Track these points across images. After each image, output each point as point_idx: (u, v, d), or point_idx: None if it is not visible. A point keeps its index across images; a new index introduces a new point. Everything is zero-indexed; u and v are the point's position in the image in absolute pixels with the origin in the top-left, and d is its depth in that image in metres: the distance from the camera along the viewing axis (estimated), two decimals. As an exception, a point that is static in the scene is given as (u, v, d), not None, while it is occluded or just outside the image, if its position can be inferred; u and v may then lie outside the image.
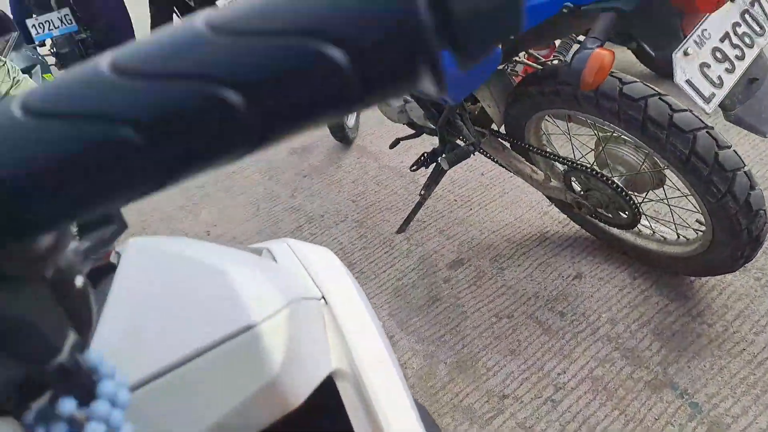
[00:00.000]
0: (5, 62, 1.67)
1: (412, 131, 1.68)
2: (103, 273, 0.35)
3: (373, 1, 0.17)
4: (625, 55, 2.32)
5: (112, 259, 0.36)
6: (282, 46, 0.17)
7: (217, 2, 2.53)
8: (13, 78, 1.68)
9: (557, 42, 1.85)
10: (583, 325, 1.30)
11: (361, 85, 0.18)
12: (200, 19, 0.18)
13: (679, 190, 1.16)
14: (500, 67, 1.36)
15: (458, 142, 1.50)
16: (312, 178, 2.11)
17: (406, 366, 1.29)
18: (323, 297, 0.42)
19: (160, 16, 2.98)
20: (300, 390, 0.34)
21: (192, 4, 2.91)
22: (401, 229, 1.71)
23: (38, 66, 2.74)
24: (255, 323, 0.32)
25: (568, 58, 1.02)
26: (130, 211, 2.15)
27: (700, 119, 1.00)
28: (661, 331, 1.26)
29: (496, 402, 1.18)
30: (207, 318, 0.32)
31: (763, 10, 0.93)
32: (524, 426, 1.13)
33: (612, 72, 1.09)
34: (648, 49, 1.00)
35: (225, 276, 0.34)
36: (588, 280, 1.42)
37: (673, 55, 0.87)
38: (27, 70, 2.62)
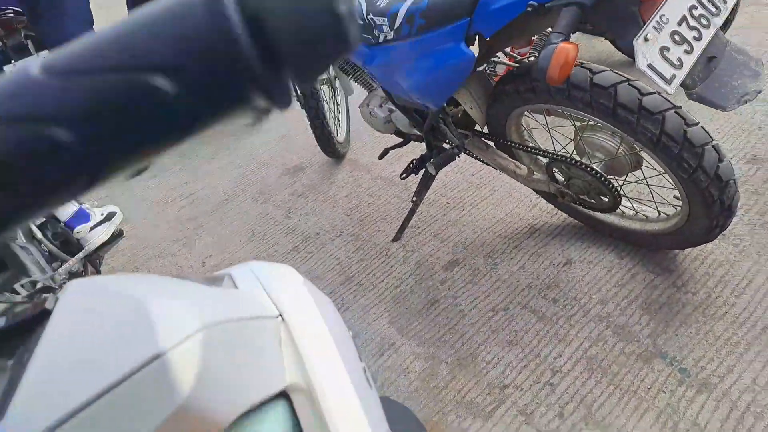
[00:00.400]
0: None
1: (400, 139, 1.74)
2: (40, 319, 0.35)
3: (193, 30, 0.18)
4: (604, 45, 2.41)
5: (48, 304, 0.36)
6: (111, 82, 0.18)
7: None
8: None
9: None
10: (576, 308, 1.34)
11: (193, 111, 0.19)
12: (35, 61, 0.19)
13: (655, 169, 1.22)
14: (479, 69, 1.42)
15: (445, 145, 1.55)
16: (306, 197, 2.15)
17: (409, 370, 1.32)
18: (281, 315, 0.43)
19: None
20: (224, 410, 0.34)
21: None
22: (396, 237, 1.75)
23: None
24: (163, 351, 0.32)
25: (540, 54, 1.08)
26: (122, 250, 2.17)
27: (668, 100, 1.06)
28: (649, 305, 1.30)
29: (497, 393, 1.21)
30: (117, 354, 0.32)
31: (715, -7, 0.99)
32: (525, 412, 1.16)
33: (582, 63, 1.16)
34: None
35: (140, 307, 0.34)
36: (578, 265, 1.46)
37: (634, 41, 0.92)
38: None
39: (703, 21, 0.95)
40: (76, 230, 2.11)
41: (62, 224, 2.06)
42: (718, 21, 0.96)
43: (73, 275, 2.05)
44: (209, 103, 0.20)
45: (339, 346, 0.44)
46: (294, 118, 2.74)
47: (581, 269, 1.45)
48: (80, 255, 2.03)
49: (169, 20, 0.19)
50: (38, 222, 1.96)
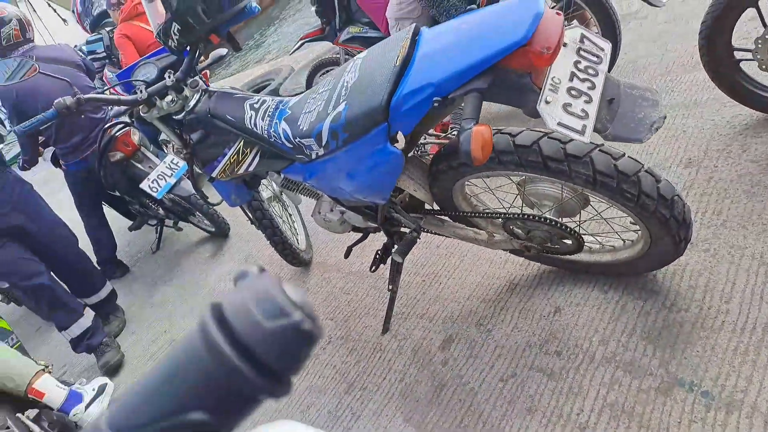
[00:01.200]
0: None
1: (360, 234, 1.75)
2: None
3: (207, 373, 0.28)
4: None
5: None
6: (166, 426, 0.27)
7: (141, 185, 2.62)
8: None
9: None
10: (580, 356, 1.32)
11: (226, 423, 0.30)
12: (103, 419, 0.29)
13: (603, 201, 1.25)
14: (410, 154, 1.46)
15: (403, 229, 1.57)
16: (286, 313, 2.10)
17: (438, 468, 1.26)
18: None
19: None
20: None
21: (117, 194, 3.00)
22: (385, 329, 1.72)
23: None
24: None
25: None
26: None
27: (590, 142, 1.11)
28: (648, 333, 1.29)
29: (536, 468, 1.16)
30: None
31: (591, 41, 1.07)
32: (570, 481, 1.11)
33: (501, 129, 1.21)
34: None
35: None
36: (567, 310, 1.45)
37: (537, 108, 0.98)
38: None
39: (591, 71, 1.02)
40: (71, 414, 2.01)
41: (56, 411, 1.96)
42: (604, 67, 1.03)
43: (77, 461, 1.92)
44: (234, 416, 0.29)
45: None
46: (252, 237, 2.74)
47: (572, 314, 1.44)
48: (82, 440, 1.91)
49: (191, 369, 0.28)
50: (31, 415, 1.87)
